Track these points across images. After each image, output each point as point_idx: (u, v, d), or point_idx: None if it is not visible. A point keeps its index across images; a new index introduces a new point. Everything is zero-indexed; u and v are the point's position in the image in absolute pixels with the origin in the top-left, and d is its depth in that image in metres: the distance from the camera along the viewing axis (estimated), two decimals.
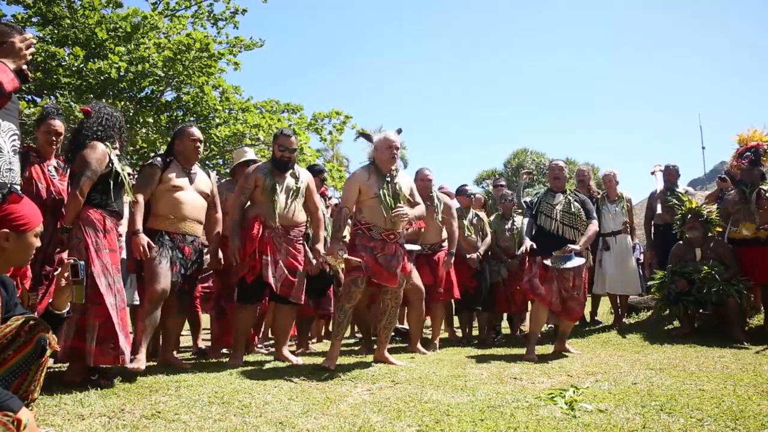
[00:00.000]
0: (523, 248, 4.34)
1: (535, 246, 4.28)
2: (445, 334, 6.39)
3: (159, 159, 3.69)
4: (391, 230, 3.72)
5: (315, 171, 4.83)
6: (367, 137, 3.90)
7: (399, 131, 3.87)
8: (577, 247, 4.22)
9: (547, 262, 4.22)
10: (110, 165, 3.17)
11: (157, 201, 3.59)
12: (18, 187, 2.53)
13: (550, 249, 4.25)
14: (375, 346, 4.11)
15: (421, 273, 4.72)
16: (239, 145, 9.72)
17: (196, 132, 3.78)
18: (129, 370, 3.11)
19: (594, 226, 4.47)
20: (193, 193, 3.68)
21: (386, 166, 3.78)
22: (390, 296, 3.81)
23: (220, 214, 3.95)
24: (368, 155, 3.86)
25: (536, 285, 4.26)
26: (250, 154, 4.86)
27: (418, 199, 3.98)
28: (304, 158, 10.17)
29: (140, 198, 3.47)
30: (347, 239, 4.18)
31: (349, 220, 3.92)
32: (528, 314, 6.60)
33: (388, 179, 3.76)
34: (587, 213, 4.45)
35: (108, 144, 3.29)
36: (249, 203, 3.94)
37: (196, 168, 3.78)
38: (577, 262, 4.23)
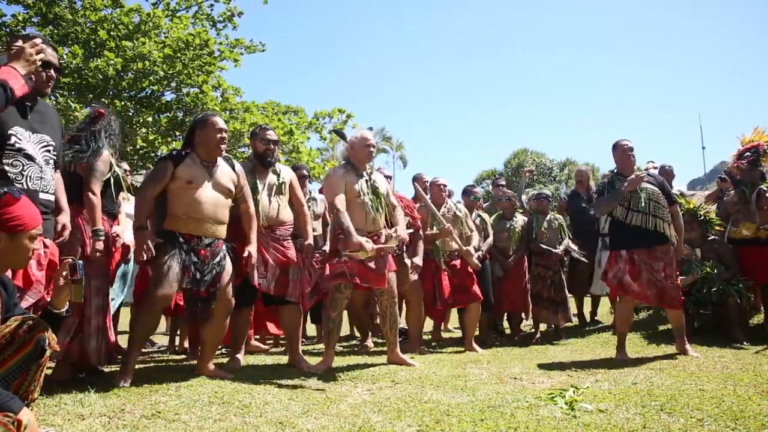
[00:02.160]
0: (633, 179, 3.81)
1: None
2: (448, 335, 6.41)
3: (174, 153, 3.36)
4: (374, 231, 3.68)
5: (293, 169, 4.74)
6: (342, 135, 3.86)
7: (370, 129, 3.87)
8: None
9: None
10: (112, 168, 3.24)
11: (172, 200, 3.24)
12: (51, 197, 2.51)
13: (639, 243, 3.91)
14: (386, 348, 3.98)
15: (440, 279, 4.75)
16: (237, 144, 9.71)
17: (219, 121, 3.36)
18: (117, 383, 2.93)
19: (680, 215, 4.07)
20: (212, 190, 3.27)
21: (363, 164, 3.76)
22: (385, 297, 3.75)
23: (252, 209, 3.48)
24: (342, 155, 3.85)
25: (627, 282, 3.89)
26: None
27: (393, 200, 3.93)
28: (299, 157, 10.15)
29: (146, 193, 3.20)
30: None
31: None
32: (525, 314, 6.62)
33: (366, 178, 3.74)
34: (669, 197, 4.04)
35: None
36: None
37: (219, 161, 3.37)
38: None
